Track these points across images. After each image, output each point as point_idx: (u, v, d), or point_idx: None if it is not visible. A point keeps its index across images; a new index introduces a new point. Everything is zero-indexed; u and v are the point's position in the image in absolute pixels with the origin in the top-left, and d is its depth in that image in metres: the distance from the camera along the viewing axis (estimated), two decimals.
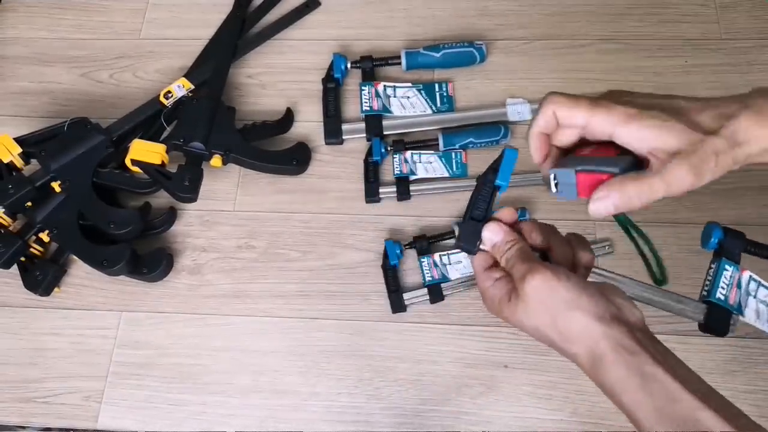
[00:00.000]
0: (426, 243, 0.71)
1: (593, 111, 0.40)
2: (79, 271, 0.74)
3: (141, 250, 0.72)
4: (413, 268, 0.72)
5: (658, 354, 0.37)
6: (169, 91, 0.78)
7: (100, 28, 0.90)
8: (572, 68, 0.81)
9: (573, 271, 0.42)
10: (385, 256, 0.71)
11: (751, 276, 0.50)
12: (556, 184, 0.42)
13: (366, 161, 0.77)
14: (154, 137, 0.78)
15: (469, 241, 0.43)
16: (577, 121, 0.41)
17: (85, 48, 0.89)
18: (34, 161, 0.75)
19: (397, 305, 0.69)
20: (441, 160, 0.76)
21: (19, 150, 0.73)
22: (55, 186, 0.72)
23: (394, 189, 0.75)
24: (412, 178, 0.75)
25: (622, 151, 0.39)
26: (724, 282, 0.49)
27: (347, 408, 0.67)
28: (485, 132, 0.76)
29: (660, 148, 0.38)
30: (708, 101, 0.39)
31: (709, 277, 0.48)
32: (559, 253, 0.43)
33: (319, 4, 0.89)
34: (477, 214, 0.44)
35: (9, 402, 0.69)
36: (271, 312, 0.71)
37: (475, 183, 0.75)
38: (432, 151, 0.76)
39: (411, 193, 0.75)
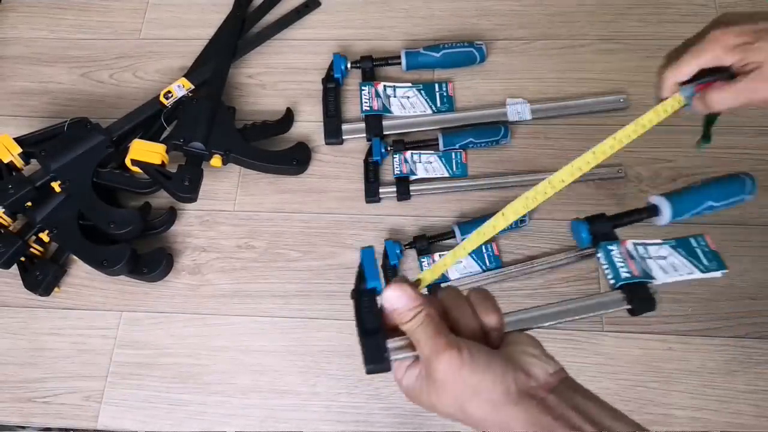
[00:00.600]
0: (426, 243, 0.71)
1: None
2: (79, 271, 0.74)
3: (141, 250, 0.72)
4: (413, 268, 0.72)
5: (577, 416, 0.35)
6: (169, 91, 0.78)
7: (100, 28, 0.90)
8: (572, 68, 0.81)
9: (484, 337, 0.39)
10: (385, 256, 0.71)
11: (633, 243, 0.49)
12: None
13: (366, 161, 0.77)
14: (154, 137, 0.78)
15: (378, 359, 0.38)
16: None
17: (85, 48, 0.89)
18: (34, 161, 0.75)
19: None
20: (441, 160, 0.76)
21: (19, 150, 0.74)
22: (55, 186, 0.72)
23: (394, 189, 0.75)
24: (412, 178, 0.75)
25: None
26: (618, 261, 0.47)
27: (347, 408, 0.67)
28: (485, 132, 0.76)
29: (750, 63, 0.47)
30: None
31: (605, 265, 0.47)
32: (463, 322, 0.39)
33: (319, 4, 0.89)
34: (370, 327, 0.39)
35: (9, 402, 0.69)
36: (271, 312, 0.71)
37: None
38: (432, 151, 0.76)
39: (411, 193, 0.75)
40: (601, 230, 0.50)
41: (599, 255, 0.48)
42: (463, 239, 0.70)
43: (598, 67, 0.81)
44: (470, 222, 0.72)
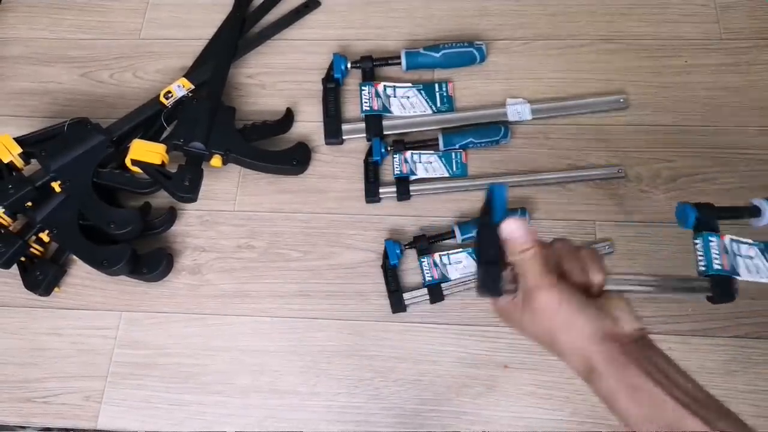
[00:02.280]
0: (426, 243, 0.71)
1: None
2: (79, 271, 0.74)
3: (141, 250, 0.72)
4: (413, 268, 0.72)
5: (650, 365, 0.40)
6: (169, 91, 0.78)
7: (100, 28, 0.90)
8: (572, 68, 0.81)
9: (586, 289, 0.44)
10: (385, 256, 0.71)
11: (731, 239, 0.53)
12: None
13: (366, 161, 0.77)
14: (154, 137, 0.78)
15: (491, 287, 0.44)
16: None
17: (86, 48, 0.89)
18: (34, 161, 0.75)
19: (397, 305, 0.69)
20: (441, 160, 0.76)
21: (20, 150, 0.73)
22: (55, 186, 0.72)
23: (394, 189, 0.75)
24: (412, 178, 0.75)
25: None
26: (714, 252, 0.51)
27: (347, 408, 0.67)
28: (485, 132, 0.76)
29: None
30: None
31: (700, 253, 0.51)
32: (573, 273, 0.44)
33: (319, 4, 0.89)
34: (490, 257, 0.44)
35: (9, 402, 0.69)
36: (271, 312, 0.71)
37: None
38: (432, 151, 0.76)
39: (411, 193, 0.75)
40: (705, 218, 0.53)
41: (697, 241, 0.52)
42: (464, 239, 0.70)
43: (598, 67, 0.81)
44: (470, 222, 0.72)
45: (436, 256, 0.70)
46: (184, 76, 0.81)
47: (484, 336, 0.69)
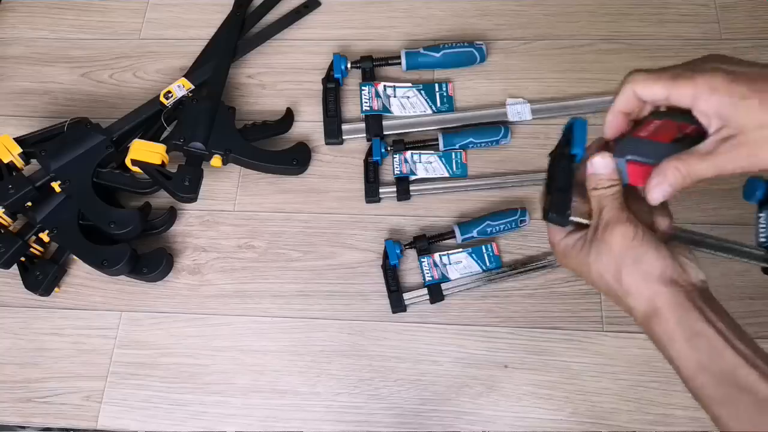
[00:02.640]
0: (426, 243, 0.71)
1: (674, 85, 0.40)
2: (79, 271, 0.74)
3: (141, 250, 0.72)
4: (413, 268, 0.72)
5: (712, 314, 0.40)
6: (169, 91, 0.78)
7: (100, 28, 0.90)
8: (572, 68, 0.81)
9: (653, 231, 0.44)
10: (385, 255, 0.71)
11: None
12: None
13: (366, 161, 0.77)
14: (154, 137, 0.78)
15: (561, 212, 0.44)
16: (657, 97, 0.42)
17: (86, 48, 0.89)
18: (34, 161, 0.75)
19: (397, 305, 0.69)
20: (441, 160, 0.76)
21: (19, 150, 0.73)
22: (55, 186, 0.72)
23: (394, 189, 0.75)
24: (412, 178, 0.75)
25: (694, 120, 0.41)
26: None
27: (347, 408, 0.67)
28: (485, 132, 0.76)
29: (729, 125, 0.38)
30: None
31: (763, 226, 0.51)
32: (640, 215, 0.44)
33: (319, 4, 0.89)
34: (563, 185, 0.44)
35: (9, 402, 0.69)
36: (271, 312, 0.71)
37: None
38: (432, 151, 0.76)
39: (411, 193, 0.75)
40: None
41: (761, 215, 0.52)
42: (464, 239, 0.70)
43: (598, 67, 0.81)
44: (470, 222, 0.72)
45: (436, 256, 0.70)
46: (184, 76, 0.81)
47: (484, 336, 0.69)
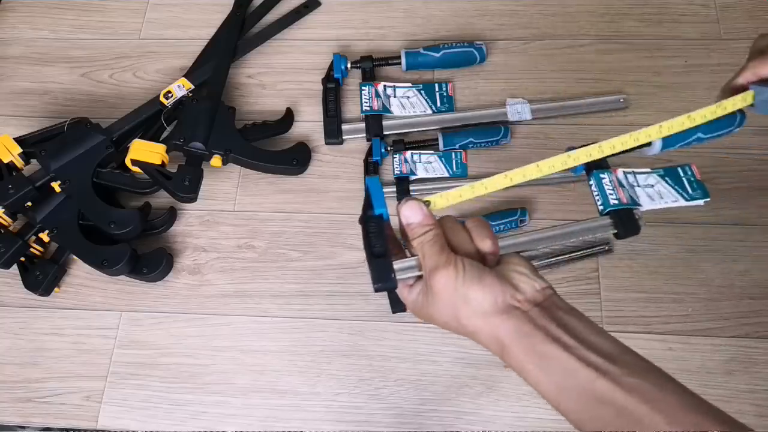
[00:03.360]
0: None
1: None
2: (79, 271, 0.74)
3: (141, 250, 0.72)
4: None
5: (557, 328, 0.38)
6: (169, 91, 0.78)
7: (100, 28, 0.90)
8: (572, 68, 0.81)
9: (481, 261, 0.42)
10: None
11: (623, 171, 0.51)
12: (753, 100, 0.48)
13: (366, 161, 0.77)
14: (154, 137, 0.78)
15: (385, 278, 0.42)
16: None
17: (86, 48, 0.89)
18: (34, 161, 0.75)
19: (397, 305, 0.69)
20: (441, 160, 0.76)
21: (19, 150, 0.73)
22: (55, 186, 0.72)
23: (394, 189, 0.75)
24: (412, 178, 0.75)
25: None
26: (608, 189, 0.49)
27: (347, 408, 0.67)
28: (485, 132, 0.76)
29: None
30: None
31: (596, 192, 0.49)
32: (461, 247, 0.42)
33: (319, 4, 0.89)
34: (378, 251, 0.43)
35: (9, 402, 0.69)
36: (271, 312, 0.71)
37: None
38: (432, 151, 0.76)
39: (411, 193, 0.75)
40: (595, 162, 0.51)
41: (591, 182, 0.50)
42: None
43: (598, 67, 0.81)
44: None
45: None
46: (184, 76, 0.81)
47: None
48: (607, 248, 0.70)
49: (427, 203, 0.44)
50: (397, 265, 0.42)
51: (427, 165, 0.76)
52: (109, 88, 0.85)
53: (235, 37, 0.85)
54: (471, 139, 0.76)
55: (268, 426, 0.67)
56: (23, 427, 0.72)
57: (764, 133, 0.76)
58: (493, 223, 0.70)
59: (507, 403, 0.66)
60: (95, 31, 0.90)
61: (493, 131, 0.76)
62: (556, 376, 0.38)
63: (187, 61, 0.85)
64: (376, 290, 0.42)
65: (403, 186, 0.75)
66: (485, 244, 0.42)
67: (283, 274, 0.73)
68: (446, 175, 0.75)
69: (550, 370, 0.38)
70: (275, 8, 0.89)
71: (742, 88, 0.51)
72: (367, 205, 0.45)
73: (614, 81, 0.80)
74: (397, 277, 0.42)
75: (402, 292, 0.44)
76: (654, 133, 0.51)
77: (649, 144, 0.52)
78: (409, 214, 0.43)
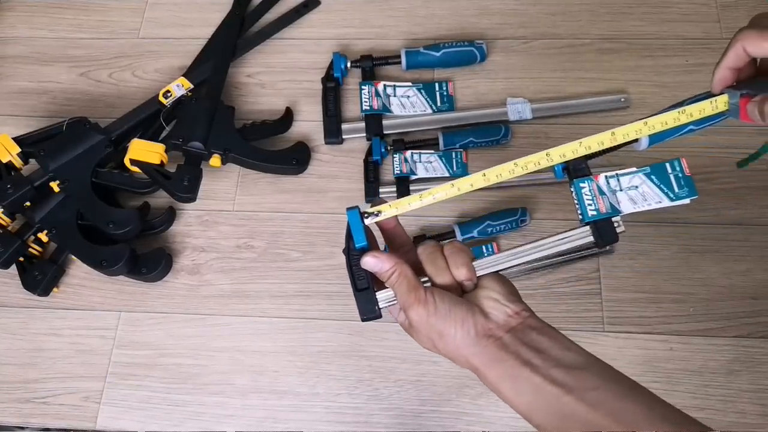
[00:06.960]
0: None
1: None
2: (78, 271, 0.74)
3: (140, 250, 0.72)
4: None
5: (528, 351, 0.40)
6: (168, 91, 0.78)
7: (99, 27, 0.90)
8: (572, 68, 0.81)
9: (458, 286, 0.44)
10: None
11: (605, 176, 0.50)
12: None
13: (366, 161, 0.77)
14: (153, 137, 0.78)
15: (370, 311, 0.45)
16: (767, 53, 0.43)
17: (85, 47, 0.88)
18: (32, 161, 0.75)
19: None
20: (441, 160, 0.76)
21: (18, 150, 0.73)
22: (54, 186, 0.71)
23: (394, 189, 0.75)
24: (412, 177, 0.75)
25: None
26: (587, 199, 0.48)
27: (347, 408, 0.67)
28: (485, 131, 0.76)
29: None
30: None
31: (576, 202, 0.49)
32: (436, 276, 0.44)
33: (319, 3, 0.89)
34: (361, 284, 0.45)
35: (8, 402, 0.69)
36: (270, 312, 0.71)
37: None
38: (432, 151, 0.76)
39: (411, 193, 0.74)
40: (574, 166, 0.50)
41: (572, 191, 0.49)
42: (465, 239, 0.70)
43: (599, 67, 0.81)
44: (470, 222, 0.72)
45: None
46: (183, 75, 0.81)
47: None
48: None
49: (378, 213, 0.46)
50: (380, 295, 0.45)
51: (427, 164, 0.75)
52: (108, 88, 0.85)
53: (235, 36, 0.85)
54: (471, 139, 0.75)
55: (267, 426, 0.66)
56: (22, 428, 0.72)
57: (764, 134, 0.75)
58: (494, 224, 0.70)
59: (506, 404, 0.65)
60: (94, 30, 0.90)
61: (493, 130, 0.76)
62: (527, 396, 0.40)
63: (186, 60, 0.85)
64: (363, 320, 0.45)
65: (404, 186, 0.74)
66: (460, 273, 0.44)
67: (282, 274, 0.73)
68: (446, 174, 0.75)
69: (521, 391, 0.40)
70: (275, 7, 0.89)
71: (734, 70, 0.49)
72: (349, 236, 0.46)
73: (615, 80, 0.80)
74: (381, 306, 0.45)
75: (393, 313, 0.47)
76: (633, 134, 0.51)
77: (636, 140, 0.52)
78: (371, 266, 0.44)
